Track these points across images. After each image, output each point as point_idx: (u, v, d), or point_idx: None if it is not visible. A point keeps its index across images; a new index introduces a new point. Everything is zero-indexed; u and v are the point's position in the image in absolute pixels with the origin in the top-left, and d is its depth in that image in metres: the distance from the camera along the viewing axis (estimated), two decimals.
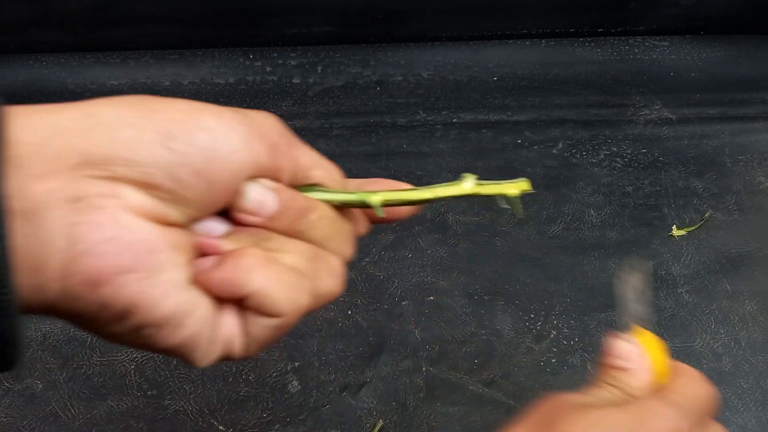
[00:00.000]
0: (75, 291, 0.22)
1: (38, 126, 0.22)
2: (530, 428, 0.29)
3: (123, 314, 0.23)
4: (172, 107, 0.24)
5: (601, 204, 0.67)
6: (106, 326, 0.24)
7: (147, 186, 0.23)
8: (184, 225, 0.25)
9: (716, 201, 0.67)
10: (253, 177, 0.27)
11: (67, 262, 0.22)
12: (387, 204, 0.32)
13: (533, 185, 0.71)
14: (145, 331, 0.24)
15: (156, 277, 0.23)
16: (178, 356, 0.25)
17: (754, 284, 0.61)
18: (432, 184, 0.38)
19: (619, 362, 0.34)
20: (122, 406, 0.52)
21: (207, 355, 0.26)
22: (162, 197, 0.24)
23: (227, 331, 0.26)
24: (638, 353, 0.35)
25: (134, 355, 0.55)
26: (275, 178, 0.28)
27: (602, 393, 0.33)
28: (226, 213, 0.28)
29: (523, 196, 0.38)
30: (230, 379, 0.54)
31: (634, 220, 0.66)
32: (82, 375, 0.54)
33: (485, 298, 0.59)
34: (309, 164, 0.29)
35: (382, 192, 0.32)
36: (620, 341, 0.36)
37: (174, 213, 0.24)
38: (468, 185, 0.34)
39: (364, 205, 0.31)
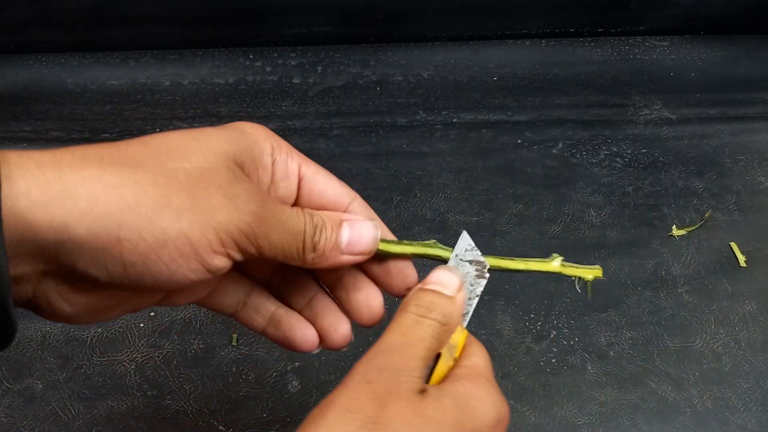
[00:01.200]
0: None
1: (19, 220, 0.24)
2: (358, 413, 0.27)
3: None
4: (147, 228, 0.26)
5: (601, 204, 0.67)
6: None
7: (96, 285, 0.27)
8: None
9: (716, 201, 0.67)
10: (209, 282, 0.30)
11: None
12: (492, 269, 0.38)
13: (533, 185, 0.71)
14: None
15: (92, 317, 0.30)
16: None
17: (754, 284, 0.61)
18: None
19: (443, 288, 0.33)
20: (122, 406, 0.52)
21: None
22: (108, 290, 0.28)
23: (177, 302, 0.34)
24: (460, 284, 0.34)
25: (134, 356, 0.55)
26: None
27: (420, 331, 0.31)
28: None
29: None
30: (230, 379, 0.54)
31: (634, 220, 0.66)
32: (82, 375, 0.54)
33: (485, 298, 0.59)
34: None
35: (491, 258, 0.39)
36: (446, 270, 0.34)
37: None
38: (556, 264, 0.39)
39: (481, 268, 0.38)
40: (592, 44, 0.83)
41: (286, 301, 0.35)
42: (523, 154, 0.71)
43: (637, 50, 0.83)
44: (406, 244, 0.36)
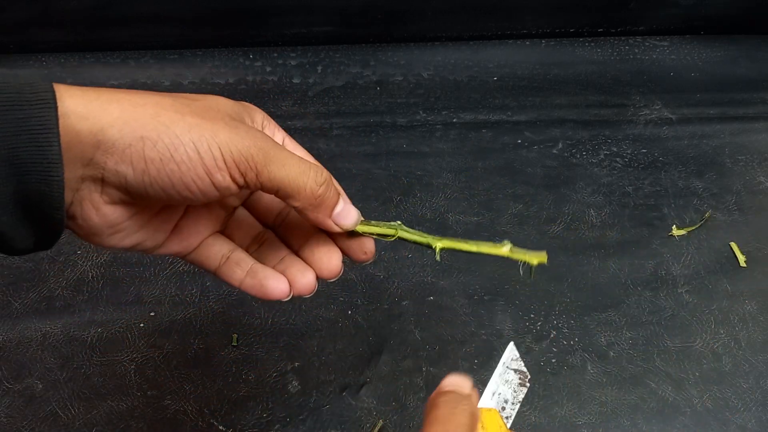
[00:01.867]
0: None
1: (68, 130, 0.31)
2: None
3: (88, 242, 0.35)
4: (164, 132, 0.32)
5: (601, 204, 0.67)
6: None
7: (122, 189, 0.33)
8: (149, 205, 0.35)
9: (716, 201, 0.67)
10: (211, 195, 0.34)
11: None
12: (444, 249, 0.41)
13: (533, 185, 0.72)
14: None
15: (112, 236, 0.35)
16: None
17: (754, 284, 0.61)
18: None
19: (460, 389, 0.36)
20: (122, 406, 0.52)
21: (154, 253, 0.38)
22: (132, 196, 0.33)
23: (174, 248, 0.38)
24: (471, 385, 0.37)
25: (134, 356, 0.55)
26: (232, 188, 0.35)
27: (457, 419, 0.35)
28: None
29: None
30: (230, 379, 0.54)
31: (634, 220, 0.66)
32: (82, 375, 0.54)
33: (485, 298, 0.59)
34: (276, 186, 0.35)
35: (444, 240, 0.41)
36: (457, 376, 0.37)
37: (141, 201, 0.34)
38: (506, 249, 0.40)
39: (428, 247, 0.41)
40: (592, 44, 0.83)
41: (261, 261, 0.40)
42: (523, 154, 0.71)
43: (637, 50, 0.83)
44: (374, 225, 0.39)
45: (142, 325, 0.57)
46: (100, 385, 0.53)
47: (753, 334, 0.57)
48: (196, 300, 0.59)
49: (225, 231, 0.40)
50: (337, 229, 0.37)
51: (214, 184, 0.33)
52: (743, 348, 0.57)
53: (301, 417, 0.52)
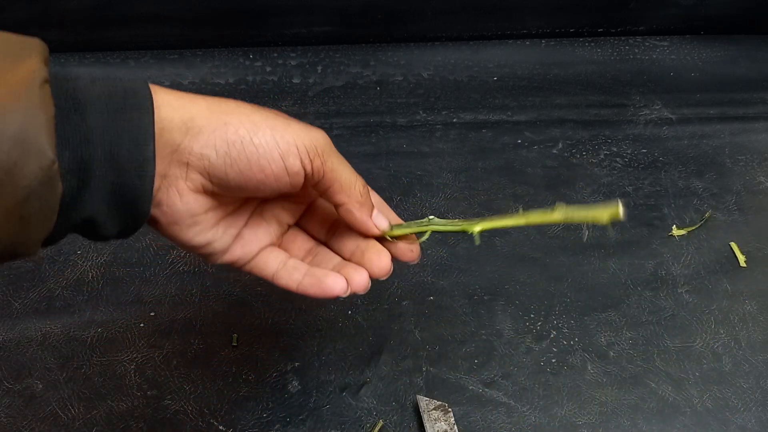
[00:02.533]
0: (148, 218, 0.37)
1: (162, 119, 0.35)
2: None
3: (166, 237, 0.39)
4: (245, 120, 0.37)
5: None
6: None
7: (205, 173, 0.36)
8: (229, 196, 0.39)
9: (716, 201, 0.67)
10: (282, 181, 0.38)
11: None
12: (484, 230, 0.42)
13: (533, 185, 0.71)
14: (179, 245, 0.39)
15: (190, 228, 0.38)
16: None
17: (754, 284, 0.61)
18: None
19: None
20: (122, 406, 0.52)
21: (216, 261, 0.41)
22: (213, 181, 0.37)
23: (237, 252, 0.41)
24: None
25: (134, 356, 0.55)
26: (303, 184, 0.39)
27: None
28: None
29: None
30: (230, 379, 0.54)
31: (634, 220, 0.66)
32: (82, 375, 0.54)
33: (485, 298, 0.59)
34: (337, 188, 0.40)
35: (482, 223, 0.43)
36: None
37: (219, 190, 0.38)
38: (558, 214, 0.39)
39: (464, 232, 0.43)
40: (592, 44, 0.83)
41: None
42: (523, 154, 0.71)
43: (637, 50, 0.83)
44: (406, 226, 0.44)
45: (142, 325, 0.57)
46: (100, 385, 0.53)
47: (753, 334, 0.57)
48: (196, 300, 0.59)
49: (280, 246, 0.44)
50: (375, 230, 0.42)
51: (286, 168, 0.37)
52: (743, 348, 0.57)
53: (301, 417, 0.52)
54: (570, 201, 0.67)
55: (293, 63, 0.80)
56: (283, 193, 0.39)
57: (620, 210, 0.36)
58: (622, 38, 0.83)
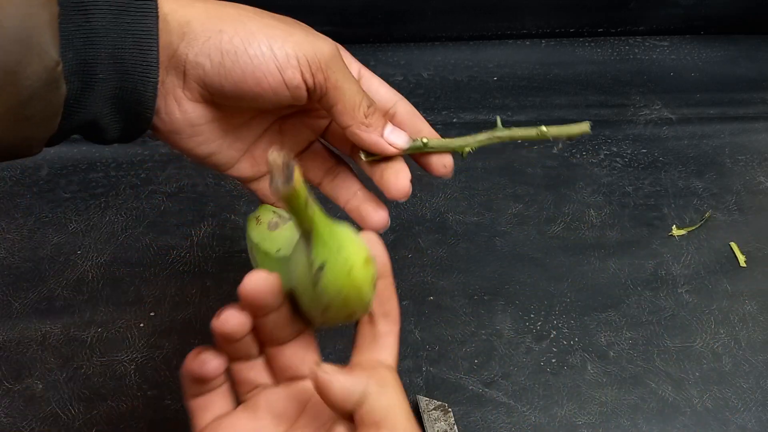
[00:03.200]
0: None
1: (161, 20, 0.34)
2: None
3: (168, 144, 0.38)
4: (241, 28, 0.34)
5: (601, 204, 0.67)
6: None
7: (201, 83, 0.35)
8: (229, 105, 0.37)
9: (716, 201, 0.67)
10: (281, 95, 0.35)
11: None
12: (473, 147, 0.43)
13: (533, 185, 0.71)
14: (182, 153, 0.38)
15: (191, 138, 0.37)
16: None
17: (754, 284, 0.61)
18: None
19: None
20: (122, 406, 0.52)
21: (225, 173, 0.40)
22: (210, 91, 0.35)
23: (246, 170, 0.40)
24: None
25: (134, 356, 0.55)
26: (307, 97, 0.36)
27: None
28: None
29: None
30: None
31: (634, 220, 0.66)
32: (82, 375, 0.54)
33: (485, 298, 0.59)
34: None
35: (479, 137, 0.44)
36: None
37: (218, 100, 0.36)
38: (537, 131, 0.41)
39: (455, 151, 0.43)
40: (592, 44, 0.83)
41: (335, 194, 0.43)
42: (523, 154, 0.71)
43: (637, 50, 0.83)
44: (444, 140, 0.43)
45: (142, 325, 0.57)
46: (100, 385, 0.53)
47: (753, 334, 0.57)
48: (196, 300, 0.59)
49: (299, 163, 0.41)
50: (391, 149, 0.39)
51: (285, 81, 0.35)
52: (743, 348, 0.57)
53: None
54: (570, 201, 0.67)
55: None
56: (289, 105, 0.37)
57: (588, 127, 0.40)
58: (622, 38, 0.83)
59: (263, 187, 0.41)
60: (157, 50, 0.33)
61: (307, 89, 0.35)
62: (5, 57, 0.29)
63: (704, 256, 0.63)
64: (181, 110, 0.36)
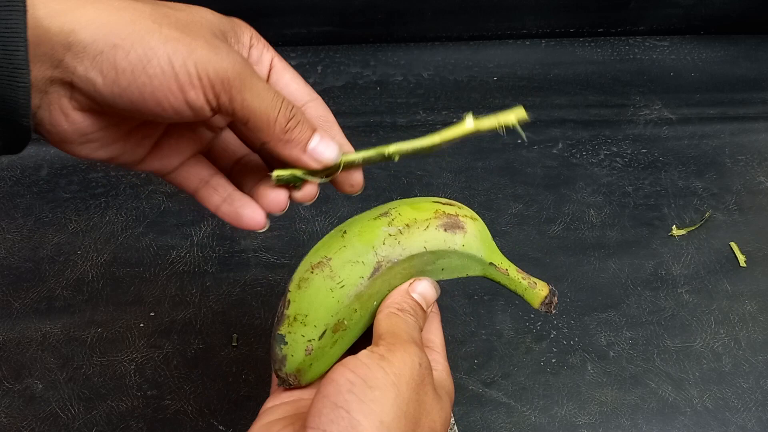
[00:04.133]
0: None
1: (38, 24, 0.29)
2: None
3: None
4: (138, 42, 0.30)
5: (601, 204, 0.67)
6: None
7: (91, 98, 0.31)
8: (123, 119, 0.34)
9: (716, 201, 0.67)
10: (183, 113, 0.32)
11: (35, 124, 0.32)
12: (402, 154, 0.38)
13: (533, 185, 0.71)
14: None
15: (84, 145, 0.33)
16: None
17: (754, 284, 0.61)
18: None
19: (423, 301, 0.38)
20: (122, 406, 0.52)
21: (132, 169, 0.37)
22: (102, 105, 0.32)
23: (154, 165, 0.37)
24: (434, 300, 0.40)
25: (134, 356, 0.55)
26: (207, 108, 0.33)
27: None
28: None
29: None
30: (230, 379, 0.54)
31: (634, 220, 0.66)
32: (82, 375, 0.54)
33: (485, 298, 0.59)
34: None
35: (396, 144, 0.38)
36: (429, 284, 0.39)
37: (111, 113, 0.32)
38: (469, 124, 0.37)
39: (383, 159, 0.38)
40: (592, 44, 0.83)
41: (241, 184, 0.39)
42: (523, 154, 0.71)
43: (637, 50, 0.83)
44: (360, 152, 0.39)
45: (142, 325, 0.57)
46: (100, 385, 0.54)
47: (753, 334, 0.57)
48: (196, 300, 0.59)
49: (210, 152, 0.38)
50: (314, 165, 0.36)
51: (187, 101, 0.31)
52: (743, 348, 0.57)
53: None
54: (570, 201, 0.67)
55: (293, 63, 0.79)
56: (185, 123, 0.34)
57: (523, 111, 0.36)
58: (622, 38, 0.83)
59: (179, 177, 0.38)
60: (26, 50, 0.29)
61: (213, 109, 0.32)
62: None
63: (704, 256, 0.63)
64: (69, 121, 0.32)
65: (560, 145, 0.72)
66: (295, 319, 0.36)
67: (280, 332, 0.37)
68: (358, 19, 0.79)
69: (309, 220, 0.64)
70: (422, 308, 0.37)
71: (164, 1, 0.33)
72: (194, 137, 0.37)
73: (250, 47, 0.37)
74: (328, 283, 0.36)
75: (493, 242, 0.40)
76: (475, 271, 0.40)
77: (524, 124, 0.44)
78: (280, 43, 0.80)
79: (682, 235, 0.64)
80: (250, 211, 0.37)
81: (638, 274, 0.61)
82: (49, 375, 0.54)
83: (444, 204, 0.39)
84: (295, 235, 0.57)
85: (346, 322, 0.37)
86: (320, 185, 0.38)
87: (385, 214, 0.38)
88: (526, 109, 0.37)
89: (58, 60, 0.30)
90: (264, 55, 0.37)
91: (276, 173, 0.36)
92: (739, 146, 0.73)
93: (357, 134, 0.73)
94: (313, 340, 0.36)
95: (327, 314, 0.36)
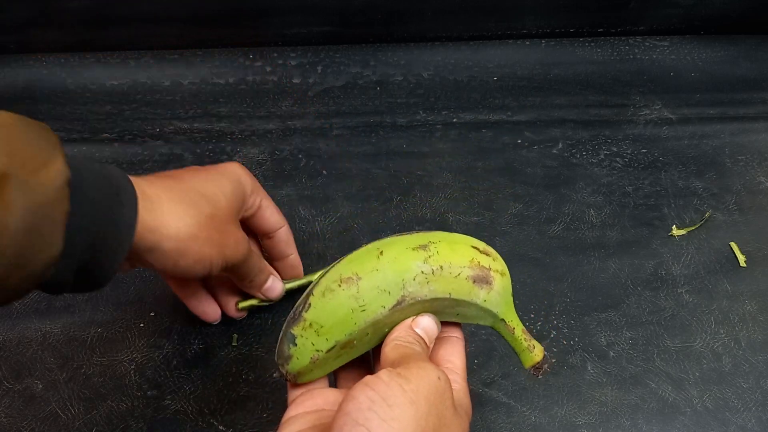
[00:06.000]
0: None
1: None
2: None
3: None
4: (193, 253, 0.44)
5: (601, 204, 0.67)
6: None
7: (149, 266, 0.44)
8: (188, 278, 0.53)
9: (716, 201, 0.67)
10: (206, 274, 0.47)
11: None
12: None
13: (533, 185, 0.71)
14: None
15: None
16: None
17: (754, 284, 0.61)
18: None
19: (425, 336, 0.40)
20: (122, 406, 0.52)
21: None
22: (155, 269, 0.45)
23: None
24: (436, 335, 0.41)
25: (134, 356, 0.55)
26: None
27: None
28: None
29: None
30: (230, 379, 0.54)
31: (634, 220, 0.66)
32: (82, 375, 0.54)
33: None
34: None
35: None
36: (431, 320, 0.40)
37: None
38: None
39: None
40: (592, 44, 0.83)
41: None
42: (523, 154, 0.71)
43: (637, 50, 0.83)
44: (295, 281, 0.56)
45: (142, 325, 0.57)
46: (100, 385, 0.53)
47: (753, 334, 0.57)
48: None
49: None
50: (264, 298, 0.55)
51: (209, 271, 0.46)
52: (743, 348, 0.57)
53: None
54: (570, 201, 0.67)
55: (293, 63, 0.79)
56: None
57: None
58: (622, 38, 0.83)
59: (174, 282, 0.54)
60: (133, 237, 0.40)
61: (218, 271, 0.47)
62: (15, 250, 0.33)
63: (704, 256, 0.63)
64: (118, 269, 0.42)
65: (560, 145, 0.72)
66: (310, 325, 0.38)
67: (293, 332, 0.38)
68: (358, 19, 0.79)
69: (309, 221, 0.64)
70: (425, 343, 0.39)
71: (202, 193, 0.46)
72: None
73: (251, 193, 0.51)
74: (351, 303, 0.37)
75: (511, 298, 0.41)
76: (486, 321, 0.41)
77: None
78: (280, 43, 0.80)
79: (682, 235, 0.65)
80: (209, 308, 0.55)
81: (638, 274, 0.61)
82: (49, 375, 0.54)
83: (481, 252, 0.40)
84: (295, 235, 0.57)
85: (355, 342, 0.38)
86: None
87: (424, 248, 0.39)
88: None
89: (137, 255, 0.42)
90: (257, 199, 0.52)
91: (240, 304, 0.55)
92: (739, 146, 0.73)
93: (357, 134, 0.73)
94: (321, 351, 0.38)
95: (341, 332, 0.38)
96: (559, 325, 0.58)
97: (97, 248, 0.38)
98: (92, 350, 0.55)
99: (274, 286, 0.54)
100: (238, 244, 0.47)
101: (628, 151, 0.72)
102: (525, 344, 0.42)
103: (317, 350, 0.38)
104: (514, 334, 0.42)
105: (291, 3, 0.76)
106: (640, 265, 0.62)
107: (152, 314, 0.58)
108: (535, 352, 0.42)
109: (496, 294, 0.40)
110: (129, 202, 0.39)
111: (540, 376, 0.42)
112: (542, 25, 0.82)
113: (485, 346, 0.56)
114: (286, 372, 0.39)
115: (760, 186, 0.69)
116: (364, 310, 0.37)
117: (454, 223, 0.65)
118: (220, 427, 0.52)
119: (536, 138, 0.73)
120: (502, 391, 0.54)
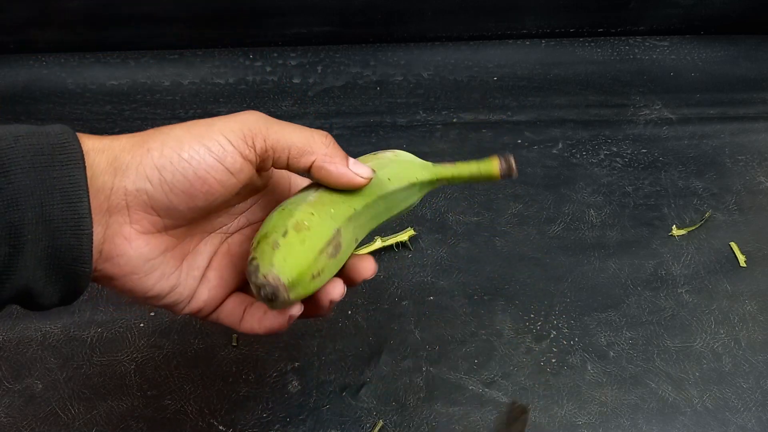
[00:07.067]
0: (98, 279, 0.35)
1: (89, 165, 0.33)
2: None
3: (126, 293, 0.36)
4: (167, 139, 0.34)
5: (601, 204, 0.67)
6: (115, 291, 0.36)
7: (148, 209, 0.34)
8: (183, 226, 0.37)
9: (716, 201, 0.67)
10: (229, 184, 0.35)
11: (97, 261, 0.34)
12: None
13: (533, 185, 0.71)
14: (141, 299, 0.36)
15: (149, 275, 0.35)
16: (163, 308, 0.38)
17: (754, 284, 0.61)
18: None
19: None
20: (122, 406, 0.52)
21: (183, 310, 0.38)
22: (160, 214, 0.35)
23: (201, 299, 0.39)
24: None
25: (134, 356, 0.55)
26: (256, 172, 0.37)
27: None
28: None
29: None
30: (230, 379, 0.54)
31: (634, 220, 0.66)
32: (82, 375, 0.54)
33: (485, 298, 0.59)
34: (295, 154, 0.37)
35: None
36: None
37: (170, 221, 0.35)
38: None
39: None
40: (592, 44, 0.83)
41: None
42: (523, 154, 0.71)
43: (637, 50, 0.83)
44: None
45: (142, 325, 0.57)
46: (100, 385, 0.54)
47: (753, 334, 0.57)
48: None
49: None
50: (360, 179, 0.38)
51: (228, 169, 0.34)
52: (743, 348, 0.57)
53: (301, 417, 0.52)
54: (570, 201, 0.67)
55: (293, 63, 0.80)
56: (242, 191, 0.37)
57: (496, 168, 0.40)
58: (622, 38, 0.83)
59: (221, 314, 0.39)
60: (88, 200, 0.32)
61: (254, 162, 0.35)
62: None
63: (704, 256, 0.63)
64: (134, 247, 0.34)
65: (560, 145, 0.72)
66: (258, 242, 0.35)
67: (249, 261, 0.35)
68: (358, 19, 0.79)
69: None
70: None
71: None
72: (235, 266, 0.40)
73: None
74: (279, 212, 0.37)
75: (420, 162, 0.43)
76: (423, 175, 0.41)
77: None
78: (280, 43, 0.80)
79: (682, 235, 0.65)
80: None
81: (638, 274, 0.61)
82: (49, 375, 0.54)
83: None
84: None
85: (306, 223, 0.35)
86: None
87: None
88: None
89: (109, 188, 0.33)
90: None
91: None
92: (739, 146, 0.73)
93: (357, 134, 0.73)
94: (279, 238, 0.35)
95: (282, 222, 0.35)
96: (559, 325, 0.58)
97: (48, 220, 0.32)
98: (92, 350, 0.55)
99: (359, 164, 0.39)
100: (236, 115, 0.36)
101: (628, 151, 0.72)
102: (474, 164, 0.41)
103: (274, 242, 0.34)
104: (455, 165, 0.41)
105: (291, 3, 0.76)
106: (640, 265, 0.62)
107: (152, 314, 0.58)
108: (489, 163, 0.40)
109: (404, 154, 0.42)
110: (71, 157, 0.33)
111: (515, 172, 0.40)
112: (542, 25, 0.82)
113: (485, 346, 0.56)
114: (264, 278, 0.34)
115: (760, 186, 0.69)
116: (291, 204, 0.37)
117: (454, 223, 0.65)
118: (220, 427, 0.52)
119: (536, 138, 0.73)
120: (502, 391, 0.54)
